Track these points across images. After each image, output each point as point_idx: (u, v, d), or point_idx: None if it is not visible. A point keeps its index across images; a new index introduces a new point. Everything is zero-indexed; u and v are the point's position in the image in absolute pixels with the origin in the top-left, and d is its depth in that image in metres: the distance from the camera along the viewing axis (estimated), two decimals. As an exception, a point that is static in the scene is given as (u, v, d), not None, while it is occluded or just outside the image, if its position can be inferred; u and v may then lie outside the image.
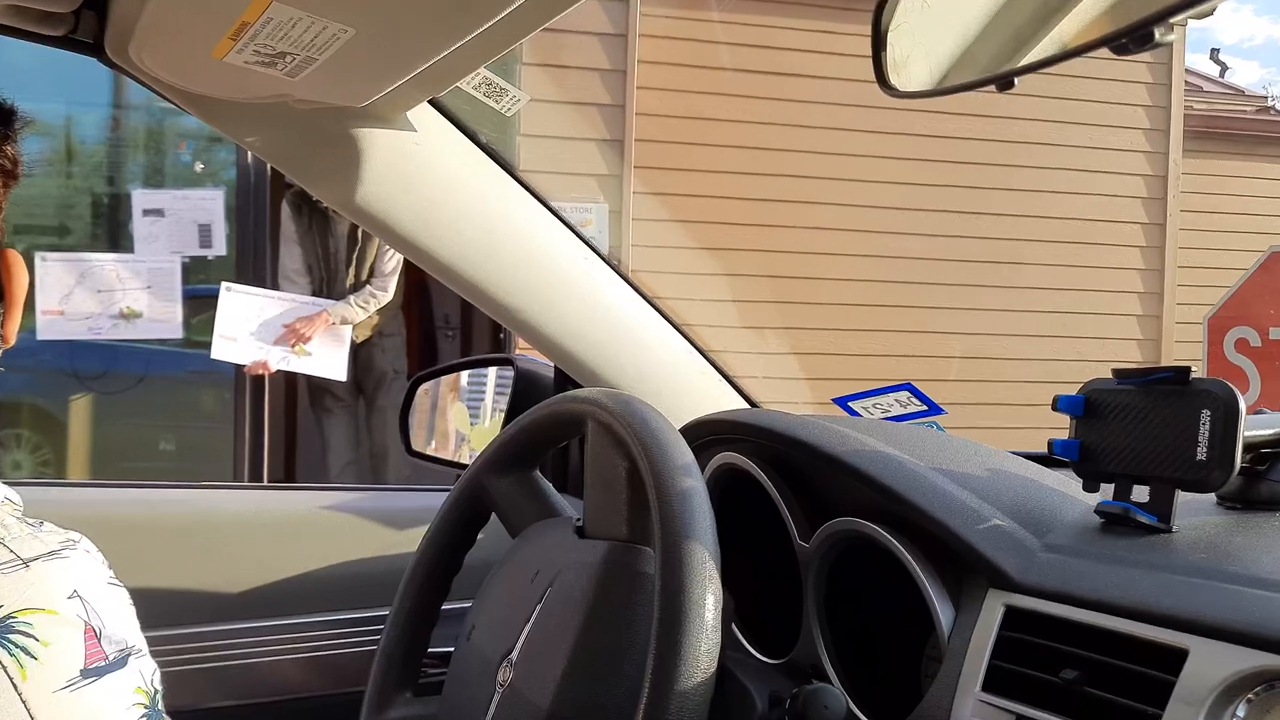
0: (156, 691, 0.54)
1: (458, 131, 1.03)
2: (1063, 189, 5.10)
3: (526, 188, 1.08)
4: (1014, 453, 0.95)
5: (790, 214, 4.80)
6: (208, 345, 3.59)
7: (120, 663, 0.52)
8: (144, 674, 0.54)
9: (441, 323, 5.53)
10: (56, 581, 0.52)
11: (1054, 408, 0.80)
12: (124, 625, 0.55)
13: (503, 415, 1.39)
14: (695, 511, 0.69)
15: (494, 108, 1.00)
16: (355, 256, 3.88)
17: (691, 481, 0.71)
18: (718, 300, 4.52)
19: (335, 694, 1.18)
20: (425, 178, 1.00)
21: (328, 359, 3.67)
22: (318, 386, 4.00)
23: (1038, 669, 0.68)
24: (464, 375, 1.60)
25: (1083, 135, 5.15)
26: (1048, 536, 0.76)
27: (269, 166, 3.98)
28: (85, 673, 0.50)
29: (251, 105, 0.91)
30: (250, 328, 3.58)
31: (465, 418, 1.54)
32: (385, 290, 3.86)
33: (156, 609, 0.98)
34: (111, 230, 4.26)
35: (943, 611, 0.76)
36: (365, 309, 3.80)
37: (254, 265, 4.05)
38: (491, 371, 1.53)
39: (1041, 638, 0.69)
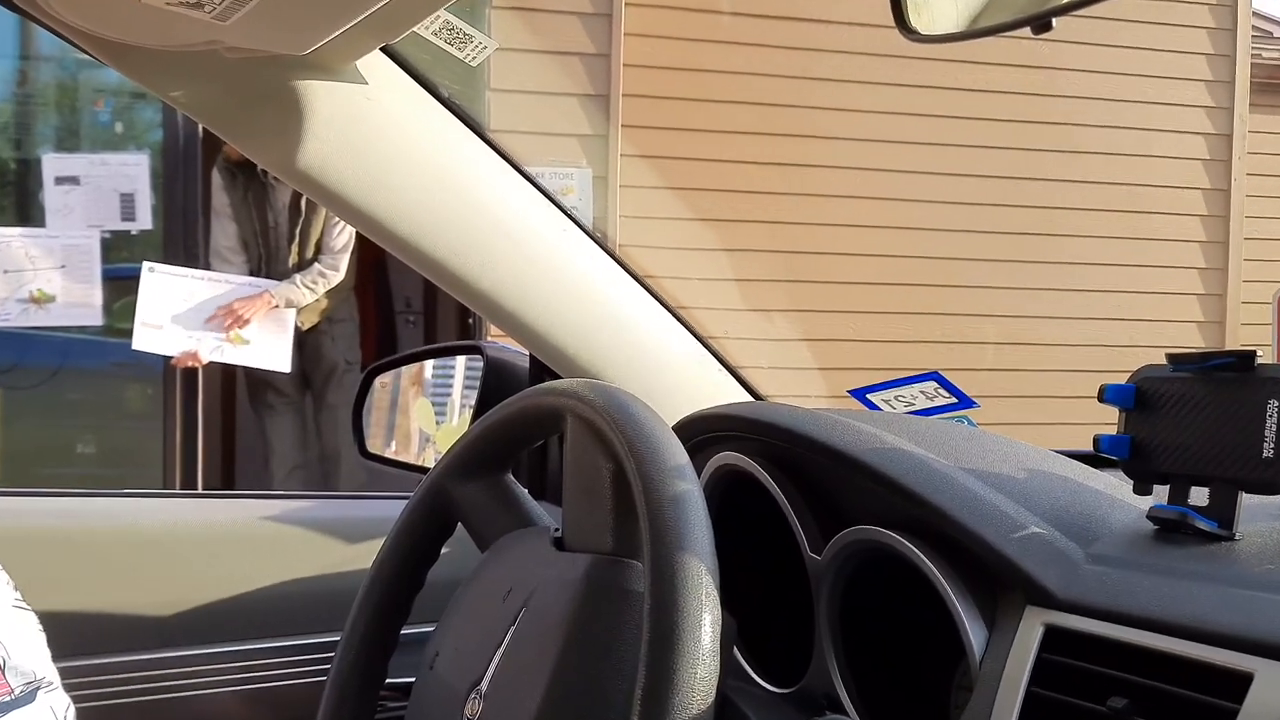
0: (71, 730, 0.54)
1: (415, 84, 1.02)
2: (1111, 150, 5.11)
3: (497, 150, 1.08)
4: (1055, 451, 0.95)
5: (801, 180, 4.79)
6: (130, 333, 3.59)
7: (27, 698, 0.52)
8: (55, 710, 0.54)
9: (402, 306, 5.54)
10: (-48, 605, 0.52)
11: (1100, 399, 0.80)
12: (32, 654, 0.54)
13: (471, 411, 1.39)
14: (690, 520, 0.69)
15: (457, 56, 0.99)
16: (299, 231, 3.87)
17: (686, 486, 0.71)
18: (718, 279, 4.53)
19: (280, 731, 1.18)
20: (378, 138, 1.00)
21: (269, 348, 3.67)
22: (259, 380, 4.00)
23: (1082, 697, 0.68)
24: (427, 365, 1.60)
25: (1133, 89, 5.15)
26: (1093, 546, 0.77)
27: (201, 126, 3.96)
28: (-13, 709, 0.50)
29: (178, 55, 0.91)
30: (177, 313, 3.58)
31: (429, 414, 1.54)
32: (336, 269, 3.86)
33: (72, 635, 0.98)
34: (19, 201, 4.24)
35: (974, 632, 0.76)
36: (313, 290, 3.81)
37: (184, 241, 4.04)
38: (459, 361, 1.53)
39: (1086, 661, 0.70)
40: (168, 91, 0.95)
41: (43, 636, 0.59)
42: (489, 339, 3.85)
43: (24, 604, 0.59)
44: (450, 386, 1.55)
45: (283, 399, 4.05)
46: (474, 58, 0.98)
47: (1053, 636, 0.72)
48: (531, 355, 1.26)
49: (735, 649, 0.98)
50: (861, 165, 4.86)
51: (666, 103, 4.71)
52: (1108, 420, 0.82)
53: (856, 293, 4.87)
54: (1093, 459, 0.87)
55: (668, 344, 1.21)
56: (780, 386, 1.42)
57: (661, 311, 1.21)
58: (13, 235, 3.71)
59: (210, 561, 1.19)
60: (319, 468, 4.16)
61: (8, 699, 0.52)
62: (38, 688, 0.54)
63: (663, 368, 1.20)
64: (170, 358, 3.67)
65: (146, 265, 3.61)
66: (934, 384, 1.33)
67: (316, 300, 3.88)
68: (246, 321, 3.61)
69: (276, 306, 3.68)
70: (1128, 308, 5.16)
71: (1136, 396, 0.78)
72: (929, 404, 1.33)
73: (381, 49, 0.98)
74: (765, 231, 4.76)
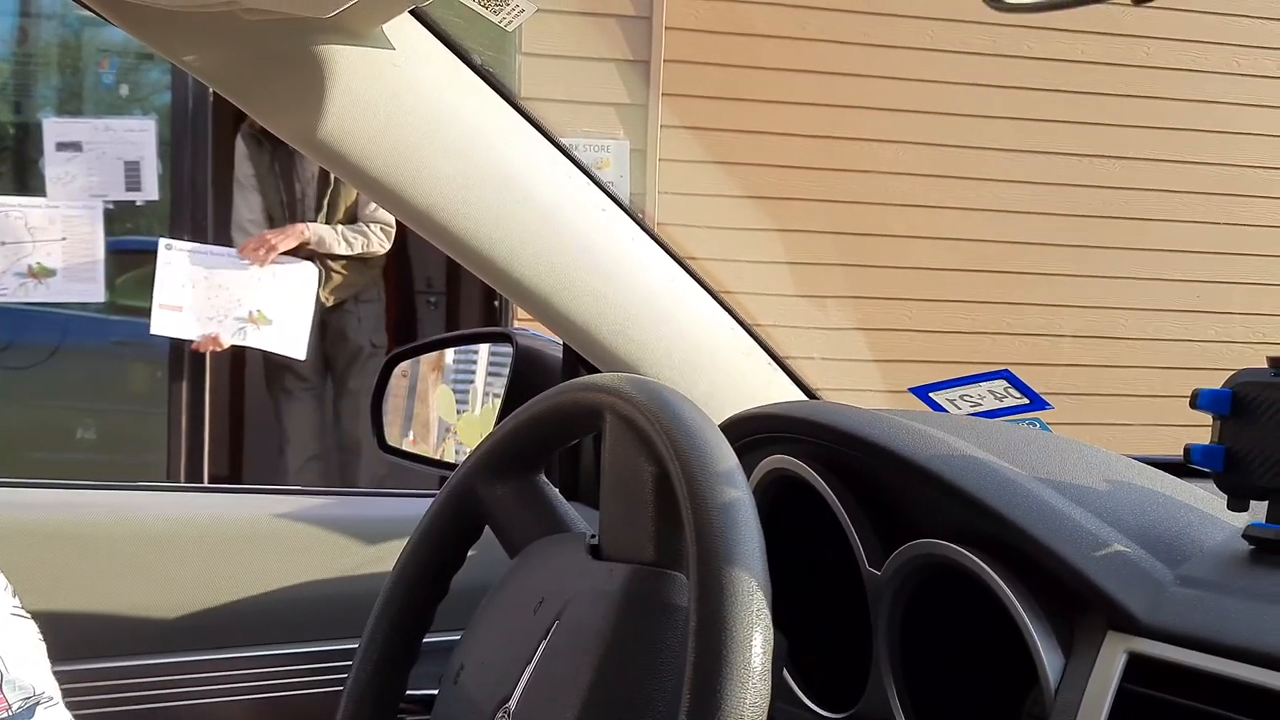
0: (72, 746, 0.54)
1: (446, 50, 1.03)
2: (1204, 127, 5.03)
3: (531, 120, 1.08)
4: (1138, 458, 0.94)
5: (859, 156, 4.76)
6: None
7: (26, 714, 0.52)
8: (56, 726, 0.55)
9: (423, 287, 5.55)
10: (-52, 612, 0.52)
11: (1193, 404, 0.79)
12: (30, 667, 0.55)
13: (498, 402, 1.40)
14: (740, 529, 0.69)
15: (491, 20, 0.99)
16: (327, 203, 3.90)
17: (735, 492, 0.71)
18: (766, 262, 4.51)
19: (291, 744, 1.19)
20: (405, 107, 1.00)
21: (290, 331, 3.70)
22: (277, 363, 4.03)
23: (1168, 732, 0.68)
24: (449, 353, 1.61)
25: (1230, 59, 5.07)
26: (1182, 567, 0.76)
27: (211, 89, 3.99)
28: (-17, 726, 0.50)
29: (192, 17, 0.91)
30: (198, 294, 3.61)
31: (451, 405, 1.55)
32: (382, 238, 3.88)
33: (70, 638, 0.99)
34: (17, 168, 4.29)
35: (1049, 658, 0.75)
36: (350, 245, 3.83)
37: (192, 212, 4.08)
38: (483, 348, 1.54)
39: (1174, 694, 0.69)
40: (181, 56, 0.95)
41: (43, 647, 0.60)
42: (516, 324, 3.88)
43: (23, 612, 0.60)
44: (473, 375, 1.55)
45: (302, 383, 4.08)
46: (510, 21, 0.98)
47: (1136, 665, 0.71)
48: (565, 344, 1.26)
49: (785, 670, 0.98)
50: (924, 140, 4.81)
51: (711, 69, 4.69)
52: (1196, 423, 0.81)
53: (918, 278, 4.83)
54: (1181, 470, 0.86)
55: (713, 334, 1.21)
56: (834, 380, 1.41)
57: (706, 298, 1.20)
58: (10, 205, 3.75)
59: (219, 561, 1.20)
60: (338, 460, 4.19)
61: (5, 715, 0.52)
62: (37, 703, 0.54)
63: (707, 360, 1.20)
64: (190, 342, 3.71)
65: (164, 242, 3.64)
66: (1004, 383, 1.32)
67: (344, 276, 3.90)
68: (275, 249, 3.64)
69: (307, 241, 3.71)
70: (1220, 300, 5.09)
71: (1233, 402, 0.78)
72: (997, 404, 1.32)
73: (411, 12, 0.98)
74: (818, 210, 4.73)
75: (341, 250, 3.82)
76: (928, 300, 4.84)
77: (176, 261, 3.61)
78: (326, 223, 3.89)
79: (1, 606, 0.55)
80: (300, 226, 3.72)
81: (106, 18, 0.93)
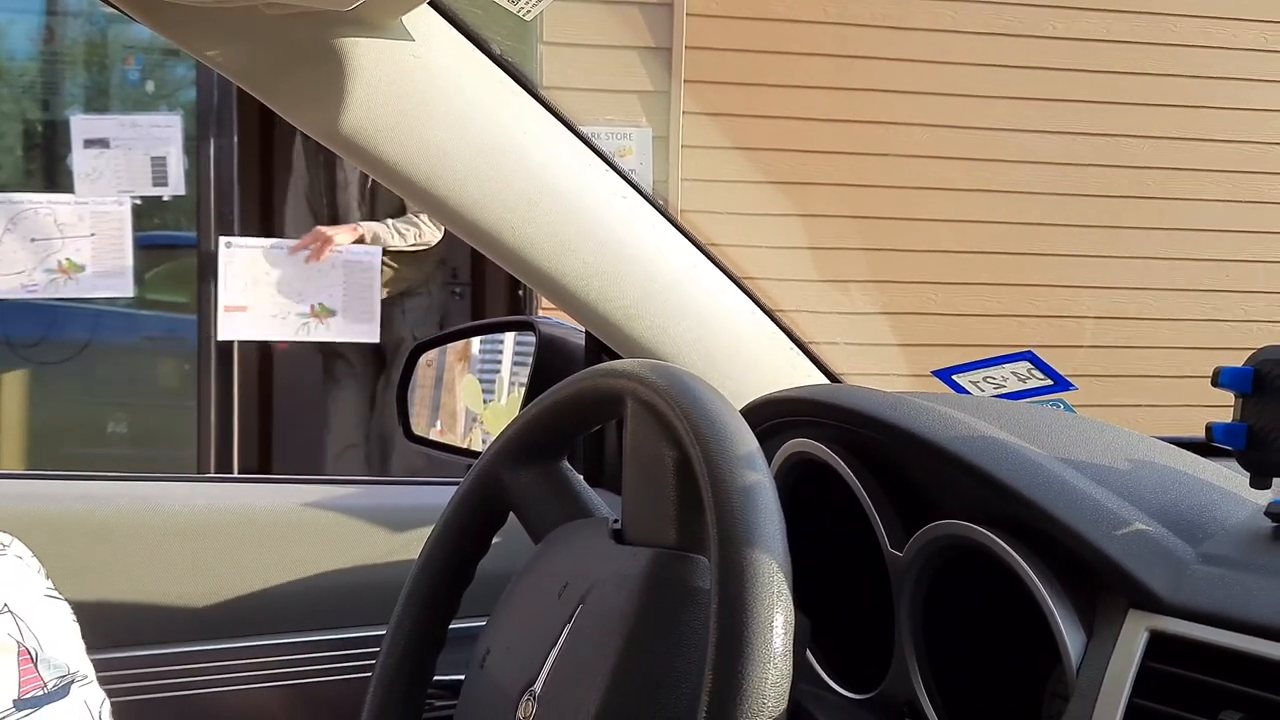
0: (106, 727, 0.55)
1: (465, 40, 1.03)
2: (1229, 105, 4.98)
3: (552, 111, 1.08)
4: (1161, 438, 0.94)
5: (880, 139, 4.74)
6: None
7: (61, 692, 0.53)
8: (90, 705, 0.56)
9: (448, 278, 5.56)
10: (-16, 594, 0.53)
11: (1214, 383, 0.79)
12: (65, 646, 0.56)
13: (522, 391, 1.40)
14: (761, 513, 0.69)
15: (509, 10, 0.99)
16: (369, 192, 3.90)
17: (756, 476, 0.71)
18: (788, 247, 4.50)
19: (321, 730, 1.20)
20: (426, 98, 1.00)
21: (356, 319, 3.69)
22: (332, 351, 4.03)
23: (1190, 710, 0.68)
24: (474, 342, 1.61)
25: (1256, 36, 5.02)
26: (1204, 545, 0.76)
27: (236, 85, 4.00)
28: (19, 704, 0.51)
29: (214, 11, 0.92)
30: (260, 292, 3.61)
31: (477, 394, 1.56)
32: (431, 226, 3.87)
33: (102, 625, 1.00)
34: (46, 165, 4.33)
35: (1071, 637, 0.75)
36: (403, 237, 3.83)
37: (218, 207, 4.10)
38: (508, 337, 1.54)
39: (1196, 671, 0.69)
40: (204, 51, 0.96)
41: (76, 628, 0.61)
42: (540, 313, 3.88)
43: (56, 593, 0.61)
44: (498, 364, 1.56)
45: (351, 371, 4.08)
46: (528, 11, 0.98)
47: (1158, 643, 0.71)
48: (587, 332, 1.26)
49: (808, 651, 0.99)
50: (946, 123, 4.78)
51: (734, 55, 4.67)
52: (1219, 403, 0.80)
53: (940, 262, 4.81)
54: (1204, 449, 0.86)
55: (735, 319, 1.21)
56: (856, 364, 1.41)
57: (727, 283, 1.21)
58: (39, 202, 3.77)
59: (247, 550, 1.21)
60: (377, 449, 4.20)
61: (40, 693, 0.53)
62: (71, 681, 0.55)
63: (729, 346, 1.20)
64: (265, 344, 3.70)
65: (224, 241, 3.65)
66: (1026, 364, 1.32)
67: (395, 270, 3.90)
68: (332, 241, 3.64)
69: (362, 237, 3.72)
70: (1243, 279, 5.05)
71: (1255, 380, 0.77)
72: (1020, 386, 1.32)
73: (430, 3, 0.98)
74: (840, 195, 4.71)
75: (396, 243, 3.82)
76: (950, 283, 4.82)
77: (237, 260, 3.62)
78: (370, 211, 3.90)
79: (35, 588, 0.56)
80: (354, 226, 3.72)
81: (131, 15, 0.94)
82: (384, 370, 4.11)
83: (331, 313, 3.67)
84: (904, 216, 4.78)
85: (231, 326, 3.60)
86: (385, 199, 3.89)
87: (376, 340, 3.79)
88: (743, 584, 0.67)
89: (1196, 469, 0.86)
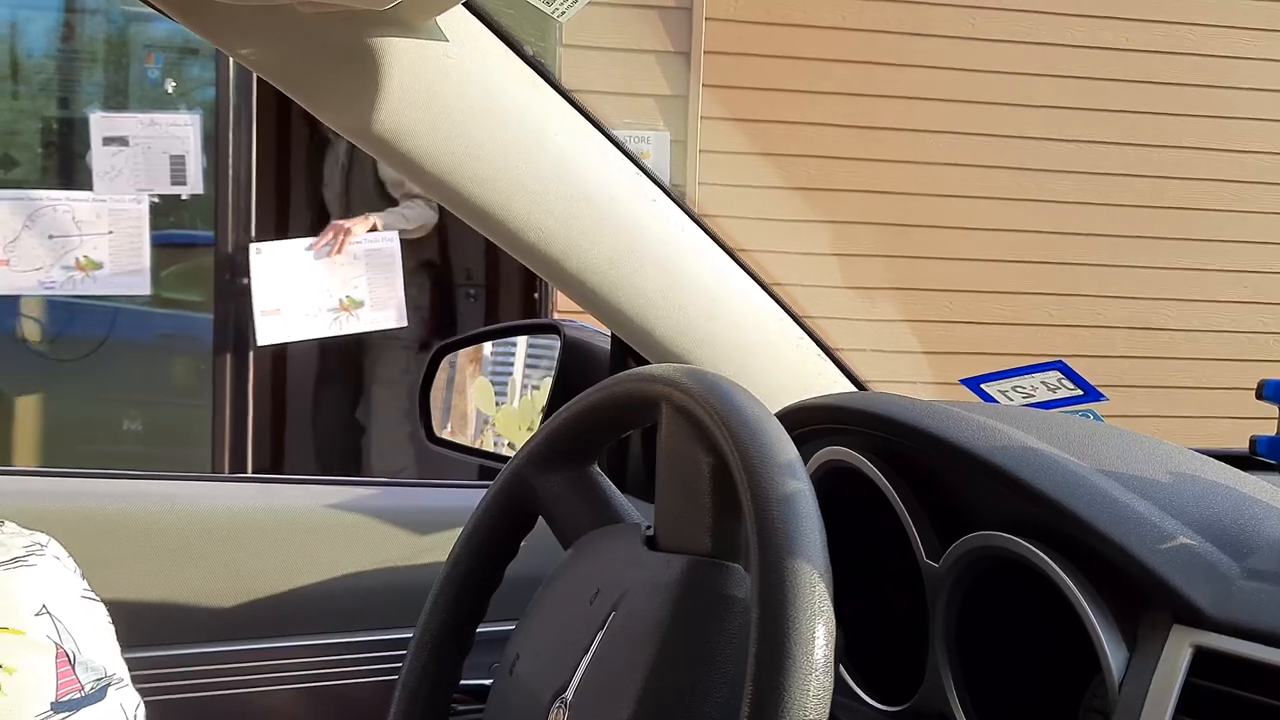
0: (142, 730, 0.55)
1: (499, 42, 1.03)
2: (1261, 115, 4.96)
3: (583, 113, 1.08)
4: (1201, 450, 0.93)
5: (905, 146, 4.72)
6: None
7: (98, 695, 0.53)
8: (126, 709, 0.55)
9: (462, 280, 5.56)
10: (22, 594, 0.53)
11: (1258, 396, 0.78)
12: (102, 649, 0.55)
13: (537, 394, 1.40)
14: (802, 522, 0.69)
15: (544, 10, 0.99)
16: (379, 179, 3.94)
17: (797, 484, 0.70)
18: (811, 253, 4.49)
19: (345, 733, 1.20)
20: (460, 99, 1.00)
21: (383, 307, 3.71)
22: (347, 349, 4.04)
23: (1236, 728, 0.67)
24: (487, 345, 1.61)
25: (1277, 46, 4.99)
26: (1249, 560, 0.75)
27: (254, 84, 4.02)
28: (57, 706, 0.51)
29: (250, 10, 0.92)
30: (291, 292, 3.63)
31: (489, 396, 1.55)
32: (425, 205, 3.91)
33: (128, 627, 1.00)
34: (64, 163, 4.34)
35: (1112, 652, 0.75)
36: (407, 220, 3.88)
37: (236, 206, 4.10)
38: (522, 341, 1.54)
39: (1241, 688, 0.68)
40: (238, 49, 0.96)
41: (112, 629, 0.60)
42: (555, 314, 3.88)
43: (92, 594, 0.60)
44: (511, 366, 1.55)
45: (392, 372, 4.11)
46: (563, 12, 0.98)
47: (1202, 659, 0.71)
48: (613, 335, 1.26)
49: (841, 664, 0.98)
50: (972, 130, 4.77)
51: (753, 60, 4.67)
52: (1265, 417, 0.80)
53: (967, 270, 4.79)
54: (1246, 462, 0.85)
55: (763, 325, 1.20)
56: (882, 371, 1.40)
57: (756, 288, 1.20)
58: (58, 199, 3.79)
59: (274, 550, 1.21)
60: (391, 447, 4.21)
61: (78, 695, 0.53)
62: (108, 684, 0.55)
63: (758, 351, 1.20)
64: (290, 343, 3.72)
65: (254, 247, 3.67)
66: (1057, 374, 1.31)
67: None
68: (351, 232, 3.68)
69: (375, 225, 3.76)
70: (1270, 290, 5.02)
71: (1301, 394, 0.76)
72: (1050, 396, 1.31)
73: (464, 4, 0.98)
74: (863, 201, 4.70)
75: (402, 225, 3.86)
76: (978, 291, 4.81)
77: (268, 263, 3.63)
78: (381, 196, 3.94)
79: (73, 589, 0.56)
80: (366, 215, 3.76)
81: (166, 12, 0.94)
82: (407, 369, 4.14)
83: (360, 304, 3.69)
84: (927, 224, 4.77)
85: (269, 331, 3.61)
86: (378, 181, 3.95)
87: (405, 324, 3.81)
88: (784, 594, 0.66)
89: (1239, 483, 0.85)
